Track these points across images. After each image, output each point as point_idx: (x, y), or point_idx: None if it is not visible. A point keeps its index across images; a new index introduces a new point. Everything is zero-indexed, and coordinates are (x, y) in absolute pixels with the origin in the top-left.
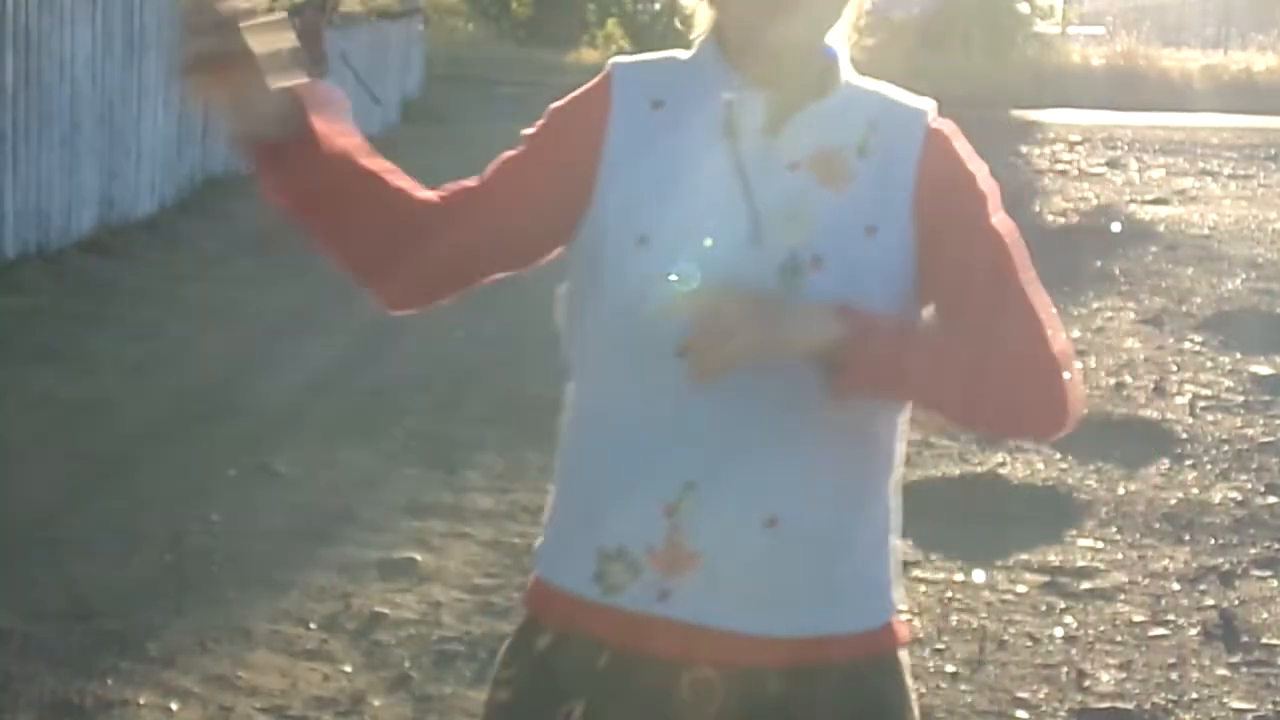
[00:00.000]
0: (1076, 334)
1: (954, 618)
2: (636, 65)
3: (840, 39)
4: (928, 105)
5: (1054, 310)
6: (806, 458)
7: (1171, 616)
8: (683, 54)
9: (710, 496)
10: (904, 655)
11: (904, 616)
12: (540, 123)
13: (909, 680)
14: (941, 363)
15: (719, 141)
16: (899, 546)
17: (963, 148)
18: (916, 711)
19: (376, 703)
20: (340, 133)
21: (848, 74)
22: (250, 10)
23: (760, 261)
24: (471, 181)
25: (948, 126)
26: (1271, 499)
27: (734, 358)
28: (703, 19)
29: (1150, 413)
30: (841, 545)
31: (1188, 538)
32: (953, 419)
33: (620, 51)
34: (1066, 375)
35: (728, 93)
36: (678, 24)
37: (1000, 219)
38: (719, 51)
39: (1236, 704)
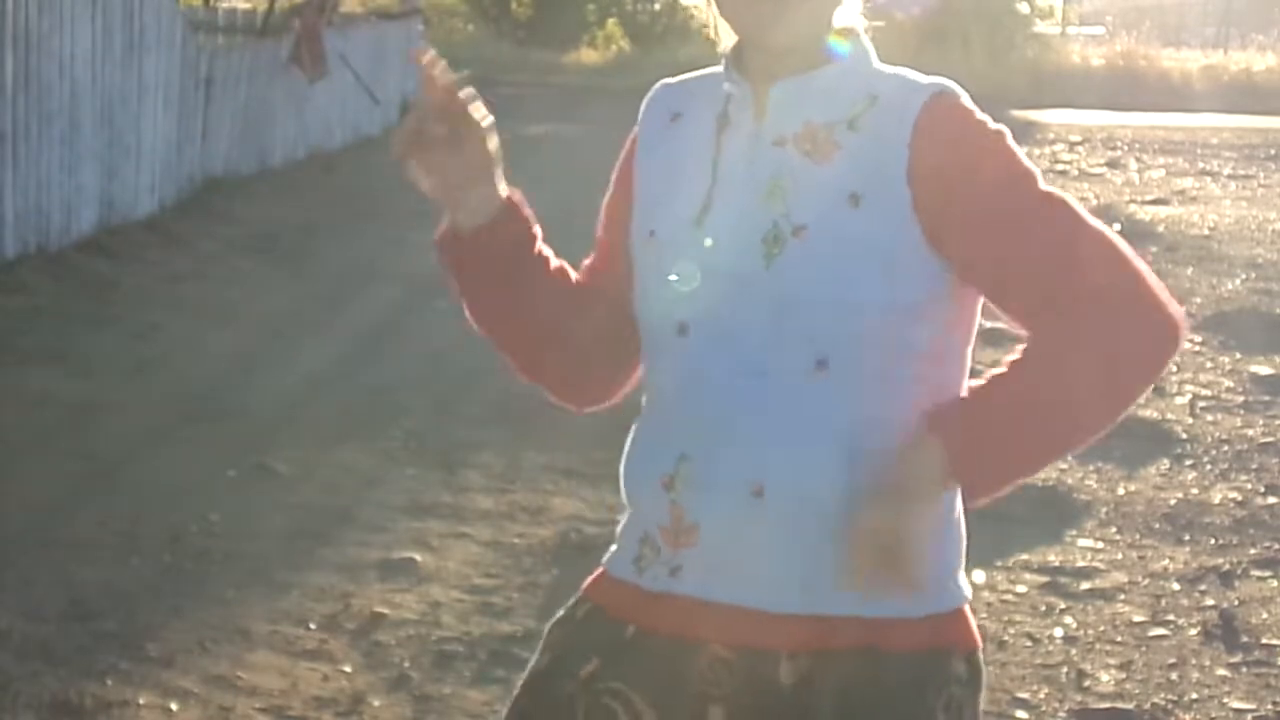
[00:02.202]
0: None
1: None
2: (669, 85)
3: (856, 21)
4: (942, 82)
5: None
6: (800, 429)
7: (1171, 616)
8: (719, 68)
9: (701, 467)
10: (947, 658)
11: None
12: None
13: (949, 686)
14: (1041, 400)
15: (713, 133)
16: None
17: (971, 116)
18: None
19: (376, 703)
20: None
21: (860, 56)
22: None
23: (742, 236)
24: (590, 258)
25: (951, 95)
26: (1271, 499)
27: (906, 558)
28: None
29: (1150, 413)
30: (843, 519)
31: (1188, 538)
32: (1096, 424)
33: (620, 52)
34: (1152, 282)
35: (727, 85)
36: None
37: (1019, 166)
38: (734, 58)
39: (1236, 704)
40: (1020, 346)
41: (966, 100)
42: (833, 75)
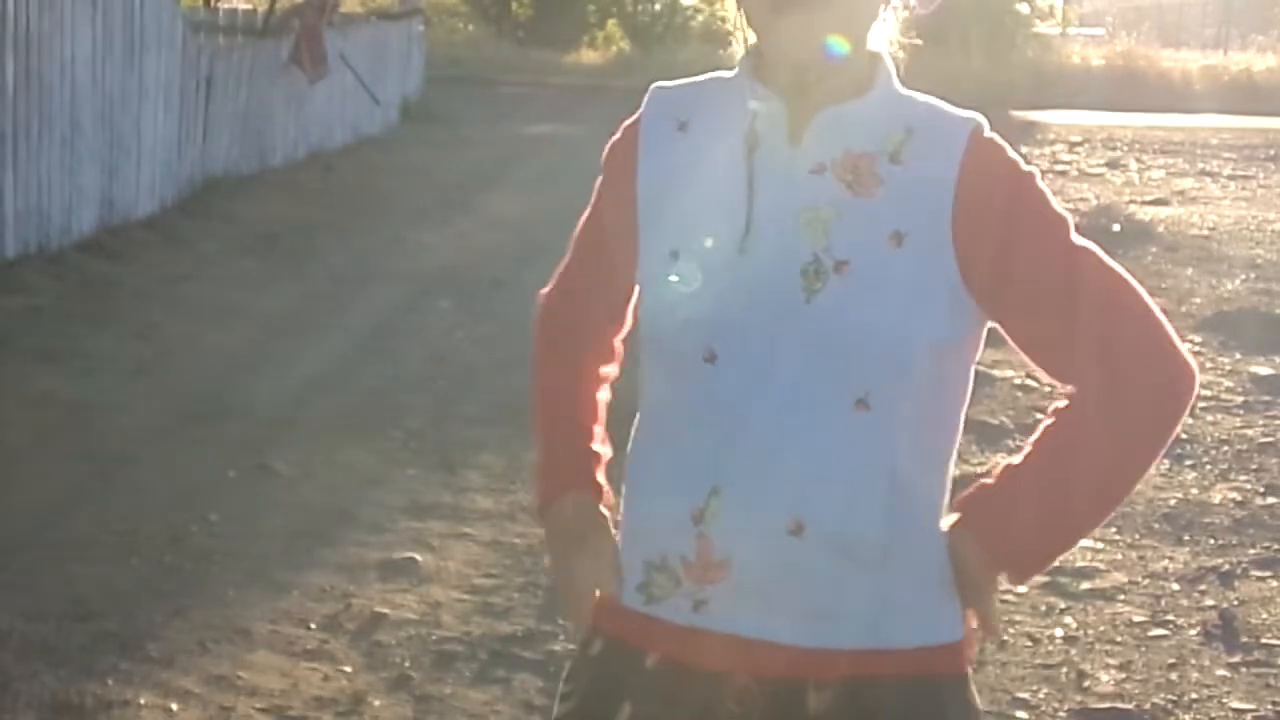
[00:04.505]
0: None
1: None
2: (669, 89)
3: (881, 45)
4: (976, 117)
5: (1125, 277)
6: (839, 463)
7: (1171, 616)
8: (725, 74)
9: (735, 502)
10: (964, 680)
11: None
12: (601, 174)
13: (973, 705)
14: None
15: (740, 152)
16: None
17: (1012, 158)
18: None
19: (376, 703)
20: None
21: (889, 82)
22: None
23: (780, 265)
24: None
25: (988, 131)
26: (1271, 499)
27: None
28: (742, 38)
29: None
30: (881, 555)
31: (1188, 538)
32: (1128, 484)
33: (620, 52)
34: (1172, 332)
35: (754, 102)
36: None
37: (1053, 214)
38: (751, 67)
39: (1236, 704)
40: (1052, 406)
41: (999, 138)
42: (875, 102)
